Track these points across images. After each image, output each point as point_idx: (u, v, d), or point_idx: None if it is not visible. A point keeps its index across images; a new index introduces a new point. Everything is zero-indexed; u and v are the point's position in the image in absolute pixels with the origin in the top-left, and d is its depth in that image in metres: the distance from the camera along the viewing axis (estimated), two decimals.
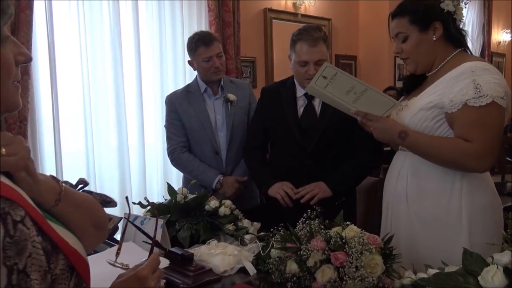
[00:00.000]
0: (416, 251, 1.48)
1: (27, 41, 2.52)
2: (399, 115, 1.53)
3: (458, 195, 1.42)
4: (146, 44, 3.24)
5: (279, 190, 1.86)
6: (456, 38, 1.47)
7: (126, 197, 1.18)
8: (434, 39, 1.46)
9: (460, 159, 1.37)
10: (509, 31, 8.67)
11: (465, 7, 5.34)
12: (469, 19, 7.40)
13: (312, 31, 1.87)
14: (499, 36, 8.52)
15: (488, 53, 7.84)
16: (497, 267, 1.02)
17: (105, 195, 0.99)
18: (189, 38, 2.21)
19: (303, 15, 4.47)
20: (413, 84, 1.60)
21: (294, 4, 4.39)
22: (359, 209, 2.12)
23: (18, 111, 2.47)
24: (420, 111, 1.45)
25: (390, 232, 1.56)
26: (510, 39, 8.71)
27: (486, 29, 7.73)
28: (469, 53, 1.52)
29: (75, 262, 0.68)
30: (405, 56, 1.53)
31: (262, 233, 1.67)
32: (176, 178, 3.14)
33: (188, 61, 2.27)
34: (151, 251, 1.00)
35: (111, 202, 0.99)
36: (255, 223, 1.80)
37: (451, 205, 1.43)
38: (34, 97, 2.65)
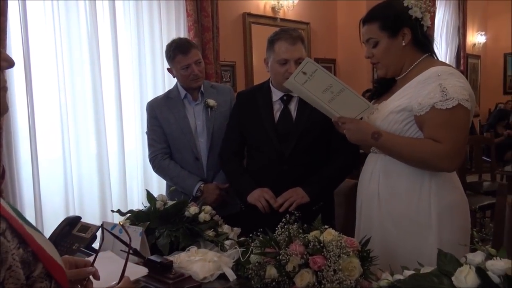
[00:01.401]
0: (389, 249, 1.52)
1: (2, 47, 2.47)
2: (370, 118, 1.58)
3: (427, 194, 1.48)
4: (124, 50, 3.20)
5: (260, 198, 1.85)
6: (423, 44, 1.54)
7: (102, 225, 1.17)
8: (403, 44, 1.52)
9: (430, 159, 1.43)
10: (483, 33, 8.88)
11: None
12: (445, 21, 7.56)
13: (290, 31, 1.89)
14: (474, 38, 8.72)
15: (463, 54, 8.01)
16: (470, 267, 1.05)
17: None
18: (167, 46, 2.20)
19: (282, 19, 4.51)
20: (383, 87, 1.66)
21: (273, 8, 4.43)
22: (338, 212, 2.14)
23: None
24: (390, 114, 1.50)
25: (364, 231, 1.61)
26: (485, 41, 8.92)
27: (461, 31, 7.90)
28: (436, 58, 1.58)
29: (51, 269, 0.68)
30: (376, 60, 1.58)
31: (242, 239, 1.67)
32: (157, 185, 3.13)
33: (167, 69, 2.26)
34: (126, 261, 0.99)
35: None
36: (235, 228, 1.80)
37: (420, 203, 1.48)
38: (9, 104, 2.59)
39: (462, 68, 7.87)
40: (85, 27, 2.91)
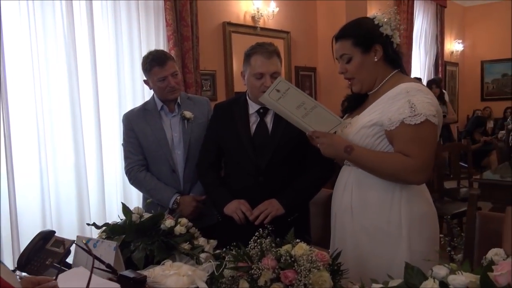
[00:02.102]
0: (363, 261, 1.56)
1: None
2: (343, 132, 1.62)
3: (397, 206, 1.52)
4: (103, 60, 3.18)
5: (237, 210, 1.87)
6: (394, 60, 1.59)
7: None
8: (376, 60, 1.57)
9: (400, 173, 1.47)
10: (461, 41, 9.09)
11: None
12: (423, 29, 7.72)
13: (266, 45, 1.92)
14: (452, 46, 8.92)
15: (441, 62, 8.18)
16: (434, 281, 1.08)
17: None
18: (143, 58, 2.21)
19: (262, 28, 4.54)
20: (355, 102, 1.70)
21: (253, 18, 4.45)
22: (315, 223, 2.16)
23: None
24: (362, 128, 1.54)
25: (338, 242, 1.64)
26: (463, 48, 9.12)
27: (439, 40, 8.07)
28: (405, 73, 1.64)
29: None
30: (350, 75, 1.62)
31: (218, 251, 1.68)
32: (137, 197, 3.09)
33: (144, 80, 2.26)
34: (89, 277, 1.00)
35: None
36: (211, 240, 1.80)
37: (391, 215, 1.53)
38: None
39: (440, 75, 8.03)
40: (62, 37, 2.89)
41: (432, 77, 7.62)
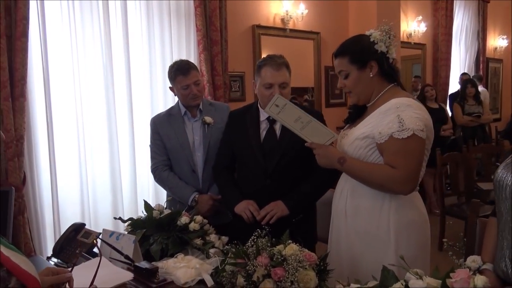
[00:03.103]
0: (355, 261, 1.69)
1: (23, 66, 2.72)
2: (341, 143, 1.74)
3: (386, 213, 1.63)
4: (137, 65, 3.41)
5: (245, 210, 2.03)
6: (389, 74, 1.68)
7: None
8: (371, 76, 1.67)
9: (386, 183, 1.58)
10: (505, 36, 8.75)
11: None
12: (464, 25, 7.52)
13: (275, 58, 2.07)
14: (496, 41, 8.62)
15: (483, 59, 7.95)
16: (402, 284, 1.20)
17: None
18: (169, 67, 2.41)
19: (292, 30, 4.65)
20: (356, 114, 1.80)
21: (283, 20, 4.56)
22: (323, 221, 2.28)
23: (15, 131, 2.70)
24: (355, 140, 1.66)
25: (334, 243, 1.79)
26: (507, 44, 8.79)
27: (481, 36, 7.84)
28: (401, 87, 1.72)
29: (23, 280, 0.88)
30: (348, 90, 1.74)
31: (226, 247, 1.85)
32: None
33: (170, 87, 2.46)
34: (96, 271, 1.19)
35: None
36: (223, 237, 1.98)
37: (380, 221, 1.63)
38: (30, 117, 2.84)
39: (481, 72, 7.81)
40: (100, 46, 3.14)
41: (473, 75, 7.45)
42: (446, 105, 6.21)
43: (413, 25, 6.42)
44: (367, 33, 1.70)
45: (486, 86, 7.84)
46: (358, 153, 1.65)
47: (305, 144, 1.75)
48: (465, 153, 4.28)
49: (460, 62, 7.60)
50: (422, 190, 5.08)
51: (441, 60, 6.86)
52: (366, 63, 1.66)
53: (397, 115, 1.55)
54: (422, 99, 5.36)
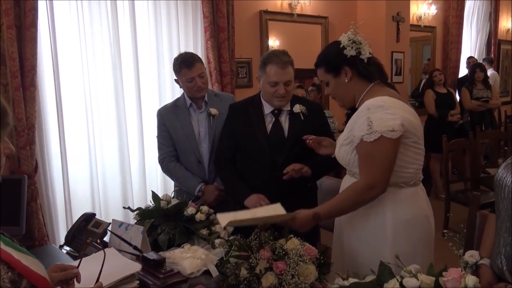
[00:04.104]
0: (354, 256, 1.73)
1: (33, 56, 2.76)
2: (339, 151, 1.75)
3: (382, 211, 1.65)
4: (144, 52, 3.42)
5: (257, 204, 2.04)
6: (366, 75, 1.68)
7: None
8: (347, 81, 1.69)
9: (357, 199, 1.61)
10: None
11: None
12: (475, 7, 7.38)
13: (281, 55, 2.09)
14: (508, 23, 8.44)
15: (494, 41, 7.82)
16: (396, 281, 1.25)
17: None
18: (174, 60, 2.44)
19: (299, 15, 4.61)
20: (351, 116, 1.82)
21: (290, 5, 4.52)
22: None
23: (26, 120, 2.76)
24: (341, 147, 1.70)
25: (337, 238, 1.85)
26: None
27: (493, 17, 7.69)
28: (385, 83, 1.71)
29: (34, 281, 0.93)
30: (332, 96, 1.80)
31: (232, 237, 1.91)
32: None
33: (175, 80, 2.50)
34: (101, 266, 1.25)
35: None
36: (228, 227, 2.04)
37: (377, 219, 1.66)
38: (40, 106, 2.90)
39: (492, 55, 7.70)
40: (108, 35, 3.16)
41: (483, 57, 7.34)
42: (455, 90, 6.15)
43: (423, 8, 6.32)
44: (340, 38, 1.71)
45: (497, 69, 7.73)
46: (347, 158, 1.68)
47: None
48: (472, 139, 4.28)
49: (471, 45, 7.48)
50: (428, 175, 5.11)
51: (451, 43, 6.76)
52: (339, 69, 1.69)
53: (367, 117, 1.56)
54: (431, 83, 5.34)
